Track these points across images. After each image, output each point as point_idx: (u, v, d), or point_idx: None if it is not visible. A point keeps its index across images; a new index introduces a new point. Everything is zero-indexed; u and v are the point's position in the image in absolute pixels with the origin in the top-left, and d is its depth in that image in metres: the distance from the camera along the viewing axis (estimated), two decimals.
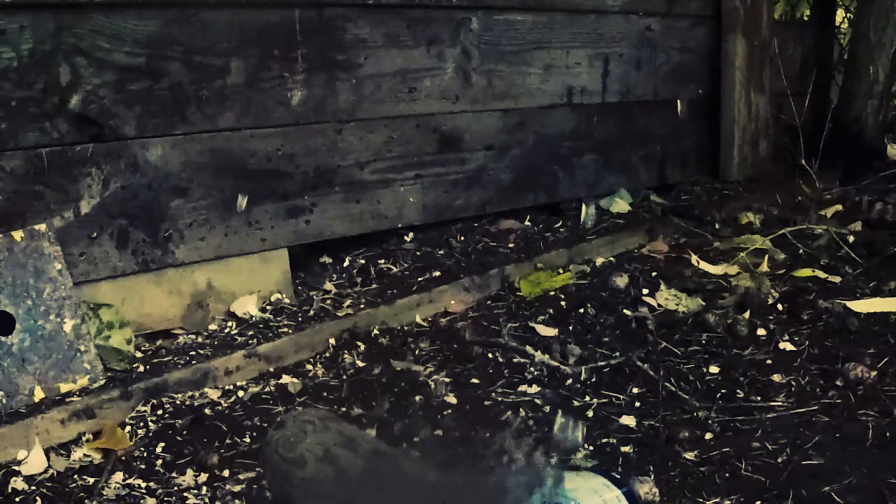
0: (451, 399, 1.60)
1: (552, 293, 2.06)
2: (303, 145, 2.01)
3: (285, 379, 1.70)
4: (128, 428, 1.52)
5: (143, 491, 1.34)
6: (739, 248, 2.31)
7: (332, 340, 1.83)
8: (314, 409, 1.31)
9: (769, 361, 1.71)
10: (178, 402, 1.60)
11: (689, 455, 1.39)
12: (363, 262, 2.18)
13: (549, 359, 1.72)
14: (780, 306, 1.96)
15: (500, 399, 1.60)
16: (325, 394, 1.65)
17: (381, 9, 2.09)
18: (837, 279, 2.12)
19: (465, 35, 2.27)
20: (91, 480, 1.38)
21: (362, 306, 1.94)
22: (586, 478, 1.21)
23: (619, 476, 1.19)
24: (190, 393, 1.63)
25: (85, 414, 1.51)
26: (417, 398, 1.60)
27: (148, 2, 1.74)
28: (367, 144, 2.12)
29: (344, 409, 1.58)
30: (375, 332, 1.87)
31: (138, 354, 1.74)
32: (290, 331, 1.82)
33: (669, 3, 2.77)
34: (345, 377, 1.71)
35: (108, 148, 1.73)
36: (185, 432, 1.50)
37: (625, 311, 1.94)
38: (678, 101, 2.86)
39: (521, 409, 1.54)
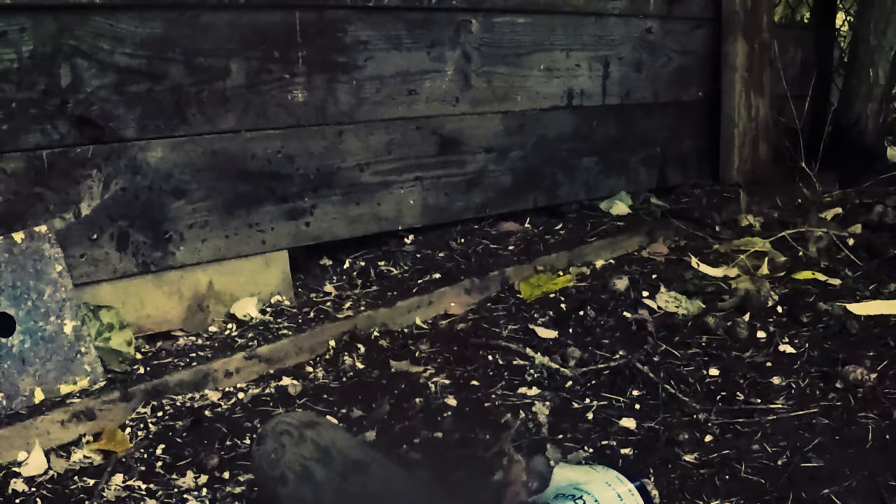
0: (451, 401, 1.60)
1: (552, 295, 2.06)
2: (303, 147, 2.01)
3: (285, 381, 1.70)
4: (128, 429, 1.52)
5: (144, 493, 1.35)
6: (739, 250, 2.31)
7: (332, 342, 1.83)
8: (293, 413, 1.32)
9: (769, 364, 1.71)
10: (178, 403, 1.60)
11: (689, 457, 1.39)
12: (363, 264, 2.18)
13: (548, 361, 1.72)
14: (779, 309, 1.96)
15: (499, 402, 1.60)
16: (325, 396, 1.65)
17: (381, 11, 2.09)
18: (837, 282, 2.12)
19: (465, 37, 2.27)
20: (91, 482, 1.38)
21: (362, 308, 1.94)
22: (599, 471, 1.21)
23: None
24: (190, 395, 1.63)
25: (85, 415, 1.51)
26: (417, 400, 1.60)
27: (148, 4, 1.74)
28: (367, 146, 2.12)
29: (344, 410, 1.58)
30: (375, 333, 1.87)
31: (138, 356, 1.74)
32: (290, 333, 1.82)
33: (669, 6, 2.77)
34: (345, 379, 1.71)
35: (108, 149, 1.73)
36: (185, 434, 1.50)
37: (625, 313, 1.94)
38: (678, 104, 2.87)
39: (520, 412, 1.54)
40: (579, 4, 2.52)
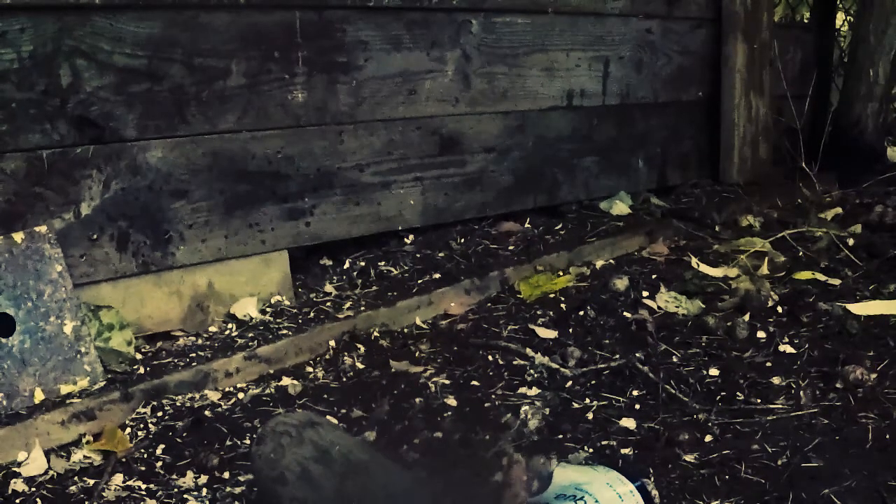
0: (451, 401, 1.60)
1: (552, 295, 2.06)
2: (303, 147, 2.01)
3: (285, 381, 1.70)
4: (128, 429, 1.52)
5: (144, 493, 1.35)
6: (739, 250, 2.31)
7: (332, 342, 1.83)
8: (292, 413, 1.33)
9: (769, 364, 1.71)
10: (178, 403, 1.60)
11: (689, 457, 1.39)
12: (363, 264, 2.18)
13: (548, 361, 1.72)
14: (779, 309, 1.96)
15: (499, 402, 1.60)
16: (325, 396, 1.65)
17: (381, 11, 2.09)
18: (837, 282, 2.12)
19: (465, 37, 2.27)
20: (91, 482, 1.38)
21: (362, 308, 1.94)
22: (600, 471, 1.22)
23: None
24: (190, 395, 1.63)
25: (85, 415, 1.51)
26: (417, 400, 1.60)
27: (148, 4, 1.74)
28: (367, 146, 2.12)
29: (344, 410, 1.58)
30: (375, 334, 1.87)
31: (138, 356, 1.74)
32: (290, 333, 1.82)
33: (669, 6, 2.77)
34: (345, 379, 1.71)
35: (108, 150, 1.73)
36: (185, 434, 1.50)
37: (625, 313, 1.94)
38: (678, 104, 2.87)
39: (521, 411, 1.54)
40: (579, 4, 2.52)
